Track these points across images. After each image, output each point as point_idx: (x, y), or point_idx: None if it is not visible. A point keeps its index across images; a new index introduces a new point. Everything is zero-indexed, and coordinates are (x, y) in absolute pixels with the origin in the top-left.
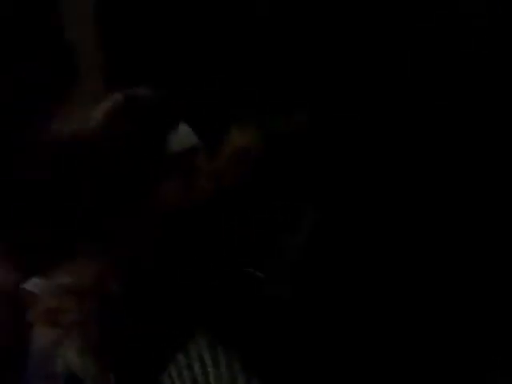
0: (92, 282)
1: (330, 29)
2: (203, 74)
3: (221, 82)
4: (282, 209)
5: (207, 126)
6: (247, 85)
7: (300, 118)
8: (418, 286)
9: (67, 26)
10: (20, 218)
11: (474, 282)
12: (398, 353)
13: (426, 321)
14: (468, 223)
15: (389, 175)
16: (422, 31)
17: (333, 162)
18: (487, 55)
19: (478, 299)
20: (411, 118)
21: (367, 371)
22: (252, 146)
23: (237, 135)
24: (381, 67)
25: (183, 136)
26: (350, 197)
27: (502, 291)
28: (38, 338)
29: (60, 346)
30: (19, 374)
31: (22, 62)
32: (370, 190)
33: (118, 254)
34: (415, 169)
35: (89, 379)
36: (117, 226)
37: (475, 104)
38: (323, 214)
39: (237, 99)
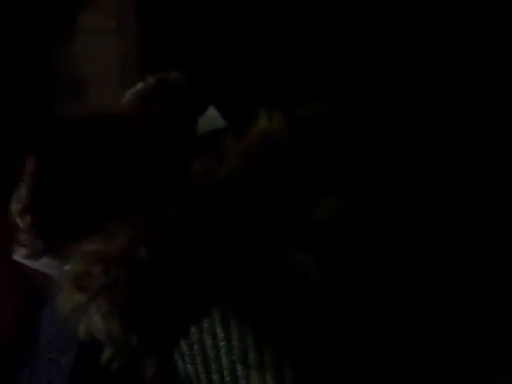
0: (119, 249)
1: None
2: (234, 61)
3: (250, 69)
4: (299, 193)
5: (236, 109)
6: (275, 73)
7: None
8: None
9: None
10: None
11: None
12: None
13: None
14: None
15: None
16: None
17: (355, 151)
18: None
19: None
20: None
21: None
22: (277, 130)
23: (264, 119)
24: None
25: (212, 119)
26: (374, 186)
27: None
28: (63, 303)
29: (85, 310)
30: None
31: None
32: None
33: (145, 224)
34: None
35: (112, 343)
36: (147, 199)
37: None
38: (348, 201)
39: (266, 86)
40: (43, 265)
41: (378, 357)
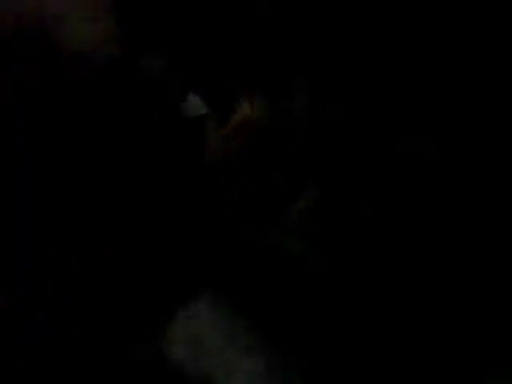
0: None
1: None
2: (215, 47)
3: (232, 56)
4: (282, 181)
5: (218, 96)
6: (256, 60)
7: (302, 97)
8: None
9: None
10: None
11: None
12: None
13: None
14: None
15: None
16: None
17: (333, 141)
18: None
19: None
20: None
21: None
22: (258, 116)
23: (245, 105)
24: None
25: (194, 105)
26: (351, 175)
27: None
28: None
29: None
30: None
31: None
32: (371, 174)
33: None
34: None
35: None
36: (134, 181)
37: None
38: (323, 190)
39: (247, 73)
40: None
41: (369, 348)
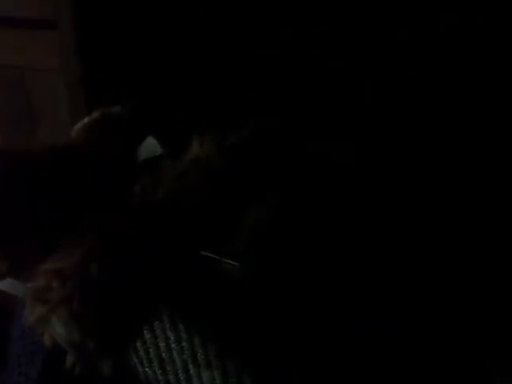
0: (74, 265)
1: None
2: (169, 95)
3: (186, 101)
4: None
5: (172, 138)
6: (207, 104)
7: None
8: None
9: None
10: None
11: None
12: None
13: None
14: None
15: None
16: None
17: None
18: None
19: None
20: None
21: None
22: (207, 155)
23: (195, 146)
24: None
25: (150, 146)
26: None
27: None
28: (27, 316)
29: (48, 320)
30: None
31: None
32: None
33: (97, 243)
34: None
35: (73, 348)
36: (96, 220)
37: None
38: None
39: (198, 116)
40: (8, 286)
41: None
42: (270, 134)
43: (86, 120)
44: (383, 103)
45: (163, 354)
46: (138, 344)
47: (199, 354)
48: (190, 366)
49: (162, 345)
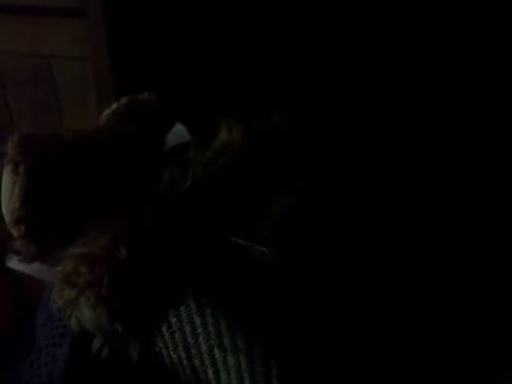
0: (101, 249)
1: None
2: (197, 81)
3: (214, 88)
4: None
5: (199, 124)
6: (235, 91)
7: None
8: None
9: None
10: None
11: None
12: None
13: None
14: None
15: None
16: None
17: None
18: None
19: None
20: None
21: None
22: (237, 141)
23: (224, 132)
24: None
25: (178, 133)
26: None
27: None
28: (55, 300)
29: (76, 304)
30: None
31: None
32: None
33: (125, 227)
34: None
35: (100, 332)
36: (124, 206)
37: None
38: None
39: (226, 103)
40: (36, 271)
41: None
42: (298, 122)
43: (114, 106)
44: (411, 93)
45: (189, 339)
46: (164, 328)
47: (225, 339)
48: (216, 351)
49: (187, 329)
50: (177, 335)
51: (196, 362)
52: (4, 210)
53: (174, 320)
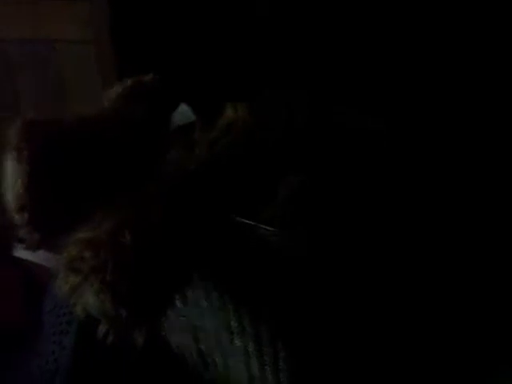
0: (106, 234)
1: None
2: (201, 62)
3: (218, 69)
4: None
5: (204, 105)
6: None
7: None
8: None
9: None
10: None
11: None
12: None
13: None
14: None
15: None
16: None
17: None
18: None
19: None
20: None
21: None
22: (243, 121)
23: (230, 112)
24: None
25: (183, 113)
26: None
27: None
28: (60, 286)
29: (80, 290)
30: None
31: None
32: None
33: (129, 212)
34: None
35: (105, 318)
36: (129, 189)
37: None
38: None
39: (231, 84)
40: (42, 258)
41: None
42: (300, 107)
43: (118, 88)
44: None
45: (195, 323)
46: (170, 312)
47: (232, 322)
48: (223, 334)
49: (194, 313)
50: (183, 320)
51: (203, 346)
52: (8, 198)
53: (180, 304)
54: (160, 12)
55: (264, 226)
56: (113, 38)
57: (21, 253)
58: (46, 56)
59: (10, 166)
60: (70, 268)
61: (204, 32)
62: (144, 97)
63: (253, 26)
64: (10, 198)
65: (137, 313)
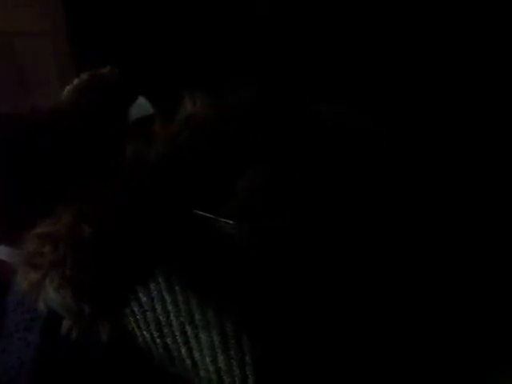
0: (65, 228)
1: None
2: (159, 54)
3: (176, 61)
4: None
5: (162, 98)
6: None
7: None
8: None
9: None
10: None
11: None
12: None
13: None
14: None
15: None
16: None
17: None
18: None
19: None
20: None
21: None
22: (202, 113)
23: (189, 104)
24: None
25: (141, 106)
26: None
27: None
28: (20, 282)
29: (41, 286)
30: None
31: None
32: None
33: (87, 205)
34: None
35: (67, 314)
36: (87, 182)
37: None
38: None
39: (188, 74)
40: (5, 254)
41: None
42: (265, 95)
43: (75, 82)
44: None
45: (160, 317)
46: (135, 307)
47: (196, 316)
48: (188, 328)
49: (158, 307)
50: (148, 314)
51: (168, 340)
52: None
53: (145, 299)
54: (118, 4)
55: (224, 220)
56: (70, 31)
57: None
58: (4, 50)
59: None
60: (30, 264)
61: (161, 24)
62: (101, 89)
63: (209, 18)
64: None
65: (98, 307)
